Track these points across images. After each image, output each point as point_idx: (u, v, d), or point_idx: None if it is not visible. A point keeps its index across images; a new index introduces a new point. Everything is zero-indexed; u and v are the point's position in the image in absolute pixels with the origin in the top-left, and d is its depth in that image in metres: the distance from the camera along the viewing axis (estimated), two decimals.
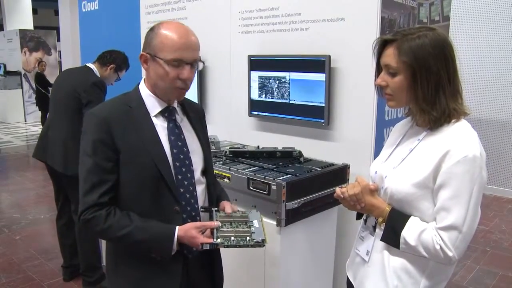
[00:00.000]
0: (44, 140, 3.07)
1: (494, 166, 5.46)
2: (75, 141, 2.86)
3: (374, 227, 1.45)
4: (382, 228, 1.38)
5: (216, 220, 1.46)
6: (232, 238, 1.39)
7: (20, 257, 3.80)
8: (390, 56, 1.32)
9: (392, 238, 1.34)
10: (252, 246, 1.40)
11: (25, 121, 12.49)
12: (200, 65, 1.45)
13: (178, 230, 1.38)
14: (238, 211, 1.55)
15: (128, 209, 1.40)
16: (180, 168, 1.45)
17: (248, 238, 1.40)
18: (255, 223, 1.49)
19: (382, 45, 1.36)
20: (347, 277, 1.61)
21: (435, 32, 1.30)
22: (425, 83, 1.28)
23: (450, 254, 1.24)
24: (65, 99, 2.97)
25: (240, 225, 1.47)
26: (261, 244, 1.40)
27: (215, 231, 1.40)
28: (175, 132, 1.47)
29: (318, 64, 2.34)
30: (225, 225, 1.45)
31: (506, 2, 5.42)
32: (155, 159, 1.40)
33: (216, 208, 1.54)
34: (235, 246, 1.38)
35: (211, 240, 1.37)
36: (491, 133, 5.56)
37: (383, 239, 1.37)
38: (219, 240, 1.37)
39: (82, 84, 2.92)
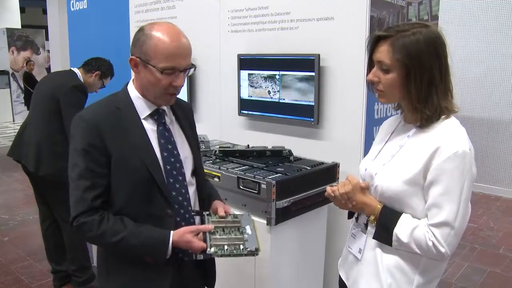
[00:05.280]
0: (19, 139, 3.03)
1: (482, 164, 5.50)
2: (49, 143, 2.90)
3: (366, 225, 1.44)
4: (374, 226, 1.38)
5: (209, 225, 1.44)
6: (226, 247, 1.37)
7: (9, 259, 3.76)
8: (384, 52, 1.30)
9: (384, 236, 1.34)
10: (245, 255, 1.39)
11: (14, 121, 12.33)
12: (191, 71, 1.43)
13: (172, 235, 1.36)
14: (230, 214, 1.52)
15: (120, 213, 1.37)
16: (171, 172, 1.43)
17: (241, 246, 1.39)
18: (248, 230, 1.46)
19: (375, 41, 1.34)
20: (339, 276, 1.60)
21: (429, 29, 1.29)
22: (418, 81, 1.27)
23: (443, 250, 1.25)
24: (44, 100, 2.93)
25: (232, 231, 1.45)
26: (254, 253, 1.39)
27: (208, 239, 1.38)
28: (165, 135, 1.45)
29: (307, 63, 2.35)
30: (217, 231, 1.42)
31: (495, 2, 5.47)
32: (146, 162, 1.38)
33: (207, 212, 1.51)
34: (228, 255, 1.37)
35: (203, 245, 1.34)
36: (479, 131, 5.61)
37: (375, 237, 1.37)
38: (212, 249, 1.35)
39: (62, 87, 2.88)
